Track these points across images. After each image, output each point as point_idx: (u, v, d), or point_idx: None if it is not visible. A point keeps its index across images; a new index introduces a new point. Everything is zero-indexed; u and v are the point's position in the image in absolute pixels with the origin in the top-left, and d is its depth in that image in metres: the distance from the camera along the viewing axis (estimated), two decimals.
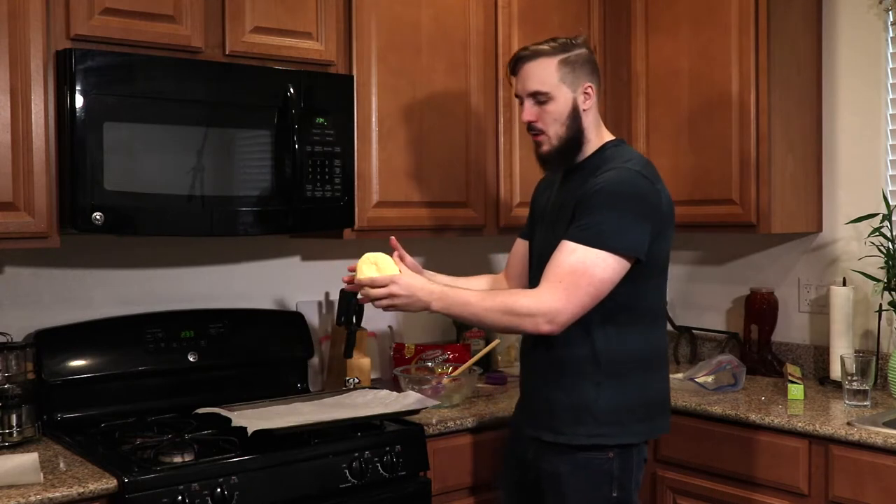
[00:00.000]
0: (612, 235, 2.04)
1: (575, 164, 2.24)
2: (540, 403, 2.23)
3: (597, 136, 2.25)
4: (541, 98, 2.20)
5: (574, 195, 2.15)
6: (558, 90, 2.19)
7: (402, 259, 2.27)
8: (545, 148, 2.23)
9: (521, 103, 2.25)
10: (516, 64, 2.24)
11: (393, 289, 2.12)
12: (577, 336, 2.12)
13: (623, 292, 2.09)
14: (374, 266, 2.18)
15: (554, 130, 2.20)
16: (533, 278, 2.24)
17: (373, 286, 2.14)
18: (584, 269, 2.02)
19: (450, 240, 3.10)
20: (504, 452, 2.42)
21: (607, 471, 2.15)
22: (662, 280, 2.23)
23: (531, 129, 2.24)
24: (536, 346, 2.23)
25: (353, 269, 2.23)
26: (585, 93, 2.21)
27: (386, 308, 2.15)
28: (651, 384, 2.21)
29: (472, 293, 2.13)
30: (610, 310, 2.11)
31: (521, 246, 2.50)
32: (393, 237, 2.29)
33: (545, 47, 2.21)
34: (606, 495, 2.16)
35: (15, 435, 2.30)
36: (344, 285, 2.28)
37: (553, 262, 2.07)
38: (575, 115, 2.20)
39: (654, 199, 2.11)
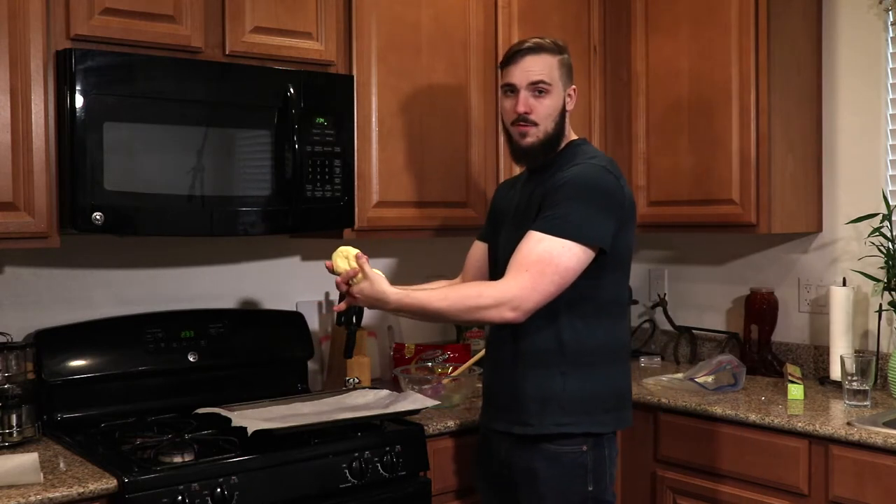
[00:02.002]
0: (578, 226, 2.08)
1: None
2: (507, 396, 2.26)
3: (567, 137, 2.32)
4: (542, 88, 2.24)
5: (540, 191, 2.20)
6: (557, 86, 2.26)
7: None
8: (530, 140, 2.25)
9: (511, 93, 2.26)
10: (516, 55, 2.26)
11: (352, 291, 2.12)
12: (543, 327, 2.17)
13: (585, 284, 2.14)
14: (347, 260, 2.18)
15: (545, 124, 2.25)
16: (494, 280, 2.24)
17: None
18: (550, 258, 2.06)
19: (450, 240, 3.10)
20: (478, 452, 2.43)
21: (581, 464, 2.18)
22: (624, 274, 2.28)
23: (522, 120, 2.24)
24: (502, 339, 2.26)
25: (330, 267, 2.22)
26: (569, 95, 2.30)
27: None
28: (616, 376, 2.25)
29: (431, 291, 2.13)
30: (574, 301, 2.15)
31: (478, 248, 2.53)
32: (360, 253, 2.19)
33: (547, 43, 2.27)
34: (582, 490, 2.18)
35: (15, 435, 2.30)
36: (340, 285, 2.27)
37: (519, 251, 2.11)
38: (562, 113, 2.28)
39: (618, 194, 2.17)
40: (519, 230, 2.19)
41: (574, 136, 2.33)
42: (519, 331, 2.19)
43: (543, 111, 2.24)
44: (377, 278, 2.10)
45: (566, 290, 2.11)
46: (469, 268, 2.54)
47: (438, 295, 2.10)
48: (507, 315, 2.06)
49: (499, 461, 2.30)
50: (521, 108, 2.24)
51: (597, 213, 2.11)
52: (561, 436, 2.18)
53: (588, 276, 2.13)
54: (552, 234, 2.08)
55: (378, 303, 2.11)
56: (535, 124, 2.24)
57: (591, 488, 2.19)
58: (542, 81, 2.23)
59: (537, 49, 2.25)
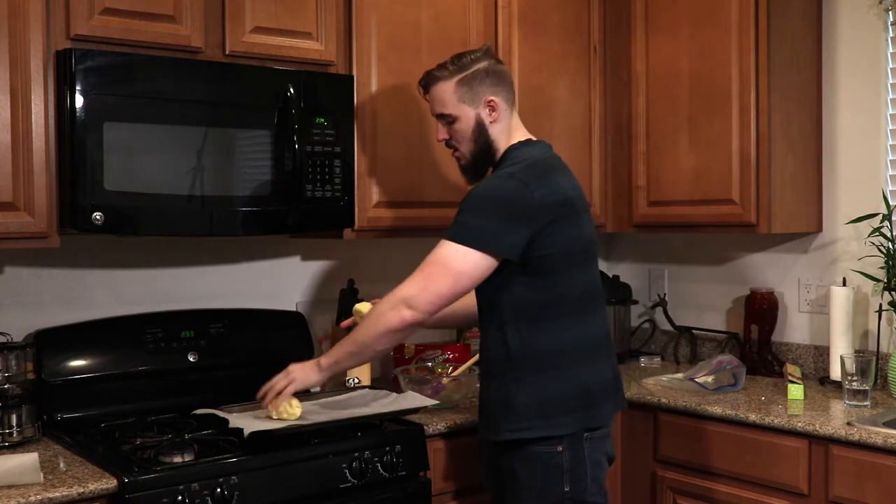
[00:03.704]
0: (474, 233, 2.12)
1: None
2: (482, 404, 2.31)
3: (506, 143, 2.31)
4: (447, 119, 2.31)
5: None
6: (459, 110, 2.29)
7: None
8: (462, 163, 2.36)
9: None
10: (422, 87, 2.37)
11: (286, 377, 2.30)
12: (494, 337, 2.22)
13: (526, 290, 2.17)
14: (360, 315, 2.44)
15: (465, 147, 2.32)
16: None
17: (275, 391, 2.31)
18: (444, 261, 2.14)
19: None
20: (479, 455, 2.44)
21: (557, 464, 2.18)
22: (577, 272, 2.22)
23: (448, 145, 2.36)
24: (481, 350, 2.33)
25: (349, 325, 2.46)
26: (489, 106, 2.28)
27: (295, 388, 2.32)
28: (577, 376, 2.20)
29: (347, 338, 2.28)
30: (518, 307, 2.18)
31: None
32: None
33: (443, 72, 2.31)
34: (559, 490, 2.18)
35: (15, 435, 2.30)
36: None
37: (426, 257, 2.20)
38: (481, 130, 2.29)
39: (522, 201, 2.13)
40: None
41: (515, 140, 2.31)
42: (483, 342, 2.28)
43: (456, 136, 2.32)
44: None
45: (508, 299, 2.16)
46: None
47: (351, 335, 2.26)
48: (405, 313, 2.13)
49: (487, 463, 2.33)
50: (439, 137, 2.37)
51: (500, 224, 2.11)
52: (540, 438, 2.17)
53: (527, 282, 2.15)
54: (450, 239, 2.14)
55: (310, 371, 2.29)
56: (457, 148, 2.33)
57: (567, 489, 2.18)
58: (440, 114, 2.32)
59: (432, 80, 2.32)
